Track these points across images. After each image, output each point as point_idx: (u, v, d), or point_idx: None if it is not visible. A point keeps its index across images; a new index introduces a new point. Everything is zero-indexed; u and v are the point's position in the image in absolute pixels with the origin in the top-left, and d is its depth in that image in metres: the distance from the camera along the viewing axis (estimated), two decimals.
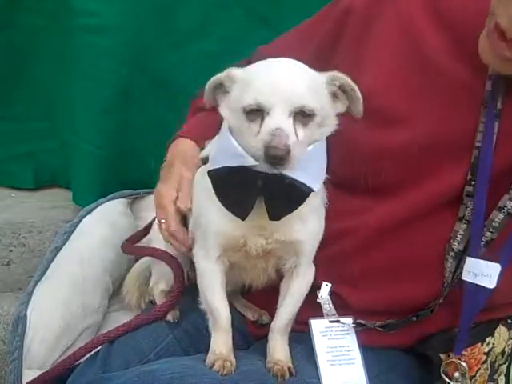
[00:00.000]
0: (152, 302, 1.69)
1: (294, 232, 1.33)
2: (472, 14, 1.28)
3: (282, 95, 1.18)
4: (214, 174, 1.28)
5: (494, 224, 1.35)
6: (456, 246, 1.38)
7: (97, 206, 2.01)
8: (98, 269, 1.83)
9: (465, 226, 1.37)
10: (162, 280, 1.62)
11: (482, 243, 1.36)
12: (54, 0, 2.19)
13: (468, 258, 1.36)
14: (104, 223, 1.94)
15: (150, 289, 1.68)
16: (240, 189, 1.26)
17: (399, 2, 1.41)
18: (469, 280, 1.36)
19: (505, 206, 1.34)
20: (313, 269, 1.43)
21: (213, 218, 1.34)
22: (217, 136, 1.41)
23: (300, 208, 1.29)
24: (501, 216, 1.35)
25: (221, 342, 1.38)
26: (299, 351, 1.43)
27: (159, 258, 1.55)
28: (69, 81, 2.24)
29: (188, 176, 1.51)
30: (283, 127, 1.16)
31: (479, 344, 1.46)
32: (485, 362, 1.48)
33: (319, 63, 1.30)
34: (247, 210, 1.26)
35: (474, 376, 1.46)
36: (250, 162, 1.23)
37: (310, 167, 1.25)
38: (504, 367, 1.56)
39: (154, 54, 2.24)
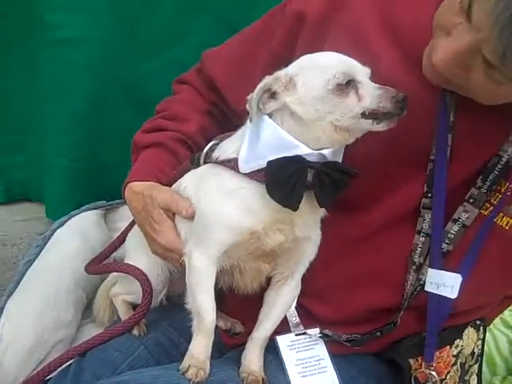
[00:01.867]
0: None
1: (310, 230, 1.34)
2: (422, 26, 1.28)
3: (358, 67, 1.26)
4: (271, 165, 1.26)
5: (449, 236, 1.37)
6: (417, 258, 1.40)
7: (70, 218, 2.01)
8: (70, 281, 1.83)
9: (423, 238, 1.39)
10: (128, 293, 1.61)
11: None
12: (23, 12, 2.17)
13: (430, 269, 1.38)
14: (77, 235, 1.94)
15: (111, 295, 1.68)
16: (292, 179, 1.24)
17: (350, 11, 1.40)
18: (432, 291, 1.38)
19: (459, 218, 1.37)
20: (300, 285, 1.42)
21: (227, 214, 1.30)
22: (231, 138, 1.38)
23: (314, 214, 1.32)
24: (456, 228, 1.37)
25: (201, 346, 1.35)
26: (271, 361, 1.43)
27: (126, 273, 1.55)
28: (40, 94, 2.22)
29: (165, 195, 1.45)
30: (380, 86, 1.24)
31: (448, 347, 1.48)
32: (454, 364, 1.50)
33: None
34: (299, 199, 1.25)
35: (445, 379, 1.48)
36: (304, 150, 1.25)
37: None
38: (475, 367, 1.59)
39: (125, 65, 2.22)
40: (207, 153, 1.41)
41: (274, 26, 1.51)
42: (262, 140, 1.28)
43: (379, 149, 1.35)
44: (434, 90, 1.31)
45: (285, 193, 1.24)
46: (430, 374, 1.42)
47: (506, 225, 1.36)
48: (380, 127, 1.24)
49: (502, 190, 1.35)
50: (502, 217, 1.36)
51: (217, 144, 1.41)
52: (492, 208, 1.36)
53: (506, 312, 2.10)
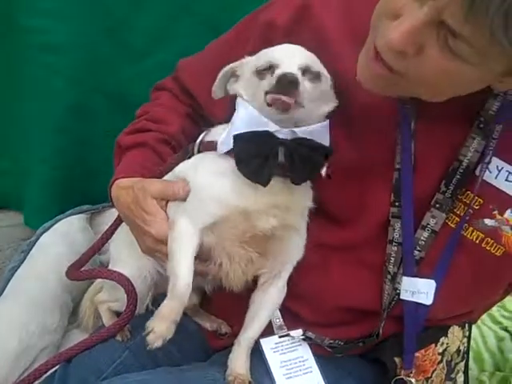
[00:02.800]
0: None
1: (300, 221, 1.35)
2: None
3: (291, 53, 1.28)
4: (236, 140, 1.28)
5: (420, 242, 1.38)
6: (391, 268, 1.40)
7: (55, 223, 2.00)
8: (56, 287, 1.82)
9: (395, 248, 1.39)
10: (114, 300, 1.61)
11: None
12: (2, 18, 2.12)
13: (404, 277, 1.38)
14: (62, 240, 1.93)
15: (97, 302, 1.68)
16: (262, 154, 1.26)
17: (315, 19, 1.40)
18: (407, 299, 1.38)
19: (428, 224, 1.37)
20: (286, 287, 1.42)
21: (219, 190, 1.30)
22: (222, 125, 1.40)
23: (307, 203, 1.34)
24: (426, 234, 1.37)
25: (170, 310, 1.29)
26: (255, 364, 1.42)
27: (110, 279, 1.54)
28: (20, 101, 2.20)
29: (157, 184, 1.43)
30: (293, 72, 1.22)
31: (433, 345, 1.48)
32: (440, 361, 1.50)
33: None
34: (268, 176, 1.25)
35: (430, 377, 1.48)
36: (271, 127, 1.26)
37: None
38: (462, 365, 1.59)
39: (108, 70, 2.20)
40: (201, 141, 1.42)
41: (248, 35, 1.51)
42: (237, 119, 1.31)
43: (346, 159, 1.36)
44: (392, 99, 1.31)
45: (253, 167, 1.26)
46: (410, 381, 1.43)
47: (476, 239, 1.36)
48: (274, 113, 1.25)
49: (468, 201, 1.35)
50: (472, 231, 1.36)
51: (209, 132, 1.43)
52: (458, 220, 1.36)
53: (494, 308, 2.11)
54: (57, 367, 1.51)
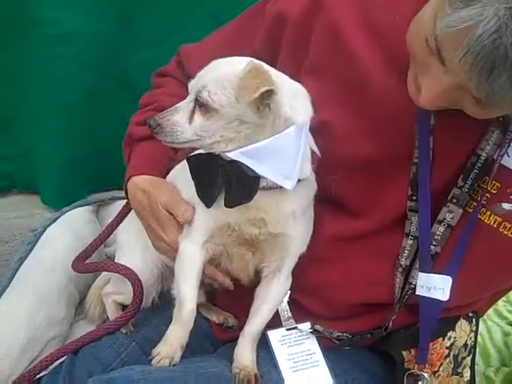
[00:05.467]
0: None
1: (287, 227, 1.34)
2: (401, 30, 1.25)
3: (193, 82, 1.29)
4: (189, 162, 1.33)
5: (436, 237, 1.37)
6: (403, 261, 1.40)
7: (61, 215, 2.01)
8: (63, 278, 1.83)
9: (411, 241, 1.39)
10: (120, 292, 1.62)
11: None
12: (14, 9, 2.17)
13: (420, 273, 1.38)
14: (68, 232, 1.94)
15: (103, 294, 1.68)
16: (207, 176, 1.29)
17: (331, 13, 1.38)
18: (423, 294, 1.38)
19: (444, 219, 1.37)
20: (290, 280, 1.43)
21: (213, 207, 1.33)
22: None
23: (293, 207, 1.33)
24: (442, 229, 1.37)
25: (176, 334, 1.38)
26: (262, 356, 1.43)
27: (117, 272, 1.54)
28: (34, 89, 2.24)
29: (166, 196, 1.45)
30: (179, 106, 1.27)
31: (440, 339, 1.48)
32: (447, 356, 1.50)
33: None
34: (212, 197, 1.29)
35: (437, 371, 1.48)
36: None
37: (268, 161, 1.25)
38: (468, 359, 1.59)
39: (118, 57, 2.25)
40: None
41: (255, 27, 1.50)
42: None
43: (365, 152, 1.36)
44: None
45: (202, 189, 1.32)
46: (422, 375, 1.43)
47: (494, 223, 1.36)
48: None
49: (488, 188, 1.34)
50: (490, 215, 1.36)
51: None
52: (476, 204, 1.35)
53: (500, 303, 2.11)
54: (64, 358, 1.52)
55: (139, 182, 1.52)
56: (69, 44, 2.16)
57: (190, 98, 1.27)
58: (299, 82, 1.32)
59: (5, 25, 2.18)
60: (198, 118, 1.25)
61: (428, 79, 1.16)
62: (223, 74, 1.23)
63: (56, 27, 2.14)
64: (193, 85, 1.28)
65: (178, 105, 1.28)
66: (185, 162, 1.38)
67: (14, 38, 2.20)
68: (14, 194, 2.46)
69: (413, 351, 1.45)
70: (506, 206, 1.35)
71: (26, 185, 2.44)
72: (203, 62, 1.31)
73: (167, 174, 1.56)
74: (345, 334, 1.45)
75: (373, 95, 1.34)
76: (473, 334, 1.57)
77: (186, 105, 1.27)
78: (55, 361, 1.50)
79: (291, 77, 1.31)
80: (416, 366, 1.43)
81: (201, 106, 1.24)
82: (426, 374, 1.43)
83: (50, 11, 2.13)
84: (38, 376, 1.49)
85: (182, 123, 1.26)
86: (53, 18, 2.14)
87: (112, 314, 1.64)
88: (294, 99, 1.27)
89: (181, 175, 1.45)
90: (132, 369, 1.37)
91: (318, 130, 1.33)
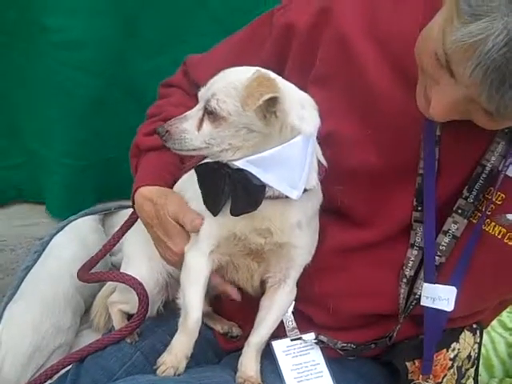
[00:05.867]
0: None
1: (293, 237, 1.35)
2: (408, 39, 1.26)
3: (203, 91, 1.30)
4: (197, 171, 1.35)
5: (441, 248, 1.38)
6: (408, 271, 1.40)
7: (68, 223, 2.02)
8: (69, 287, 1.84)
9: (416, 251, 1.40)
10: (125, 302, 1.62)
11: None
12: (22, 16, 2.18)
13: (425, 284, 1.39)
14: (75, 241, 1.95)
15: (108, 303, 1.69)
16: (214, 184, 1.30)
17: (338, 23, 1.39)
18: (428, 305, 1.39)
19: (449, 229, 1.37)
20: (295, 290, 1.44)
21: (220, 215, 1.34)
22: None
23: (298, 217, 1.33)
24: (447, 239, 1.37)
25: (181, 344, 1.38)
26: (267, 366, 1.43)
27: (122, 282, 1.55)
28: (40, 96, 2.25)
29: (174, 207, 1.46)
30: (188, 114, 1.29)
31: (444, 350, 1.48)
32: (451, 367, 1.50)
33: None
34: (218, 205, 1.30)
35: (441, 382, 1.49)
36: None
37: (275, 170, 1.27)
38: (472, 371, 1.59)
39: (125, 65, 2.27)
40: None
41: (262, 37, 1.52)
42: None
43: (370, 162, 1.36)
44: None
45: (209, 198, 1.32)
46: None
47: (499, 234, 1.36)
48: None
49: (493, 199, 1.35)
50: (495, 226, 1.36)
51: None
52: (480, 215, 1.36)
53: (504, 314, 2.11)
54: (69, 367, 1.53)
55: (146, 193, 1.52)
56: (75, 51, 2.18)
57: (200, 106, 1.28)
58: (306, 92, 1.33)
59: (11, 32, 2.20)
60: (206, 125, 1.26)
61: (438, 92, 1.17)
62: (231, 83, 1.25)
63: (62, 34, 2.16)
64: (202, 93, 1.29)
65: (187, 113, 1.29)
66: (192, 172, 1.39)
67: (21, 45, 2.21)
68: (20, 202, 2.47)
69: (417, 362, 1.45)
70: (510, 217, 1.35)
71: (33, 194, 2.44)
72: (210, 71, 1.32)
73: (174, 184, 1.56)
74: (349, 345, 1.45)
75: (379, 105, 1.35)
76: (476, 346, 1.57)
77: (195, 113, 1.28)
78: (61, 369, 1.51)
79: (298, 87, 1.32)
80: (420, 376, 1.43)
81: (210, 114, 1.26)
82: None
83: (56, 18, 2.14)
84: (46, 383, 1.50)
85: (190, 131, 1.27)
86: (59, 25, 2.15)
87: (117, 323, 1.65)
88: (302, 109, 1.28)
89: (189, 185, 1.46)
90: (136, 379, 1.37)
91: (323, 139, 1.34)
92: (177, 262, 1.45)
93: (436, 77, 1.16)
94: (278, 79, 1.28)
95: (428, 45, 1.16)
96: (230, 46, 1.64)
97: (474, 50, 1.03)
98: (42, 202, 2.42)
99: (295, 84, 1.32)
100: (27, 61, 2.24)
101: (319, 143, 1.34)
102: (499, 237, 1.36)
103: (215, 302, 1.63)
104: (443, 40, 1.08)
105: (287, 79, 1.32)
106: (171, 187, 1.55)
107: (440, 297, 1.37)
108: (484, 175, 1.33)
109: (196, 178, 1.36)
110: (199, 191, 1.36)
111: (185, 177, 1.54)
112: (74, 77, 2.20)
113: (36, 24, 2.16)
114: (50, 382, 1.51)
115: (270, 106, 1.22)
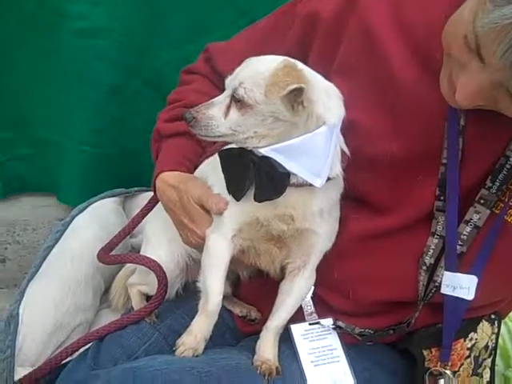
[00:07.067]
0: None
1: (314, 224, 1.36)
2: (433, 29, 1.26)
3: (229, 77, 1.30)
4: (221, 155, 1.36)
5: (462, 237, 1.38)
6: (428, 259, 1.41)
7: (88, 205, 2.03)
8: (89, 267, 1.86)
9: (436, 240, 1.40)
10: (145, 283, 1.64)
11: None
12: (43, 4, 2.19)
13: (445, 272, 1.39)
14: (95, 222, 1.97)
15: (128, 284, 1.71)
16: (238, 170, 1.31)
17: (363, 13, 1.39)
18: (448, 293, 1.39)
19: (471, 219, 1.37)
20: (314, 276, 1.45)
21: (244, 201, 1.35)
22: None
23: (320, 205, 1.34)
24: (468, 229, 1.37)
25: (200, 326, 1.40)
26: (284, 350, 1.45)
27: (142, 265, 1.57)
28: (60, 84, 2.26)
29: (198, 191, 1.47)
30: (215, 100, 1.29)
31: (462, 340, 1.48)
32: (468, 356, 1.50)
33: None
34: (242, 190, 1.31)
35: (458, 371, 1.49)
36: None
37: (299, 158, 1.27)
38: (489, 361, 1.58)
39: (146, 55, 2.26)
40: None
41: (286, 26, 1.52)
42: None
43: (393, 151, 1.36)
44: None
45: (232, 183, 1.33)
46: (444, 372, 1.44)
47: None
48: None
49: None
50: None
51: None
52: (503, 206, 1.35)
53: None
54: (89, 345, 1.55)
55: (168, 179, 1.53)
56: (96, 39, 2.18)
57: (227, 93, 1.29)
58: (330, 81, 1.33)
59: (33, 19, 2.21)
60: (233, 113, 1.27)
61: (464, 77, 1.16)
62: (259, 72, 1.25)
63: (84, 22, 2.16)
64: (230, 81, 1.29)
65: (214, 99, 1.30)
66: (215, 157, 1.40)
67: (42, 32, 2.21)
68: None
69: (433, 350, 1.46)
70: None
71: (42, 186, 2.45)
72: (234, 59, 1.32)
73: (195, 169, 1.57)
74: (367, 330, 1.46)
75: (403, 95, 1.35)
76: (494, 336, 1.57)
77: (223, 99, 1.29)
78: (81, 347, 1.53)
79: (321, 76, 1.32)
80: (439, 363, 1.44)
81: (237, 101, 1.26)
82: (448, 372, 1.43)
83: (78, 5, 2.15)
84: (64, 361, 1.52)
85: (217, 117, 1.28)
86: (81, 12, 2.15)
87: (136, 304, 1.67)
88: (328, 98, 1.28)
89: (211, 171, 1.47)
90: (155, 358, 1.40)
91: (346, 128, 1.34)
92: (200, 244, 1.46)
93: (463, 61, 1.16)
94: (306, 69, 1.28)
95: (458, 29, 1.15)
96: (253, 34, 1.64)
97: (506, 32, 1.03)
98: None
99: (318, 72, 1.31)
100: (48, 47, 2.24)
101: (342, 132, 1.34)
102: None
103: (235, 285, 1.64)
104: (474, 23, 1.08)
105: (311, 68, 1.32)
106: (192, 173, 1.56)
107: (461, 285, 1.37)
108: (508, 166, 1.33)
109: (219, 164, 1.36)
110: (222, 177, 1.37)
111: (206, 162, 1.55)
112: (94, 64, 2.20)
113: (57, 11, 2.17)
114: (70, 358, 1.53)
115: (297, 96, 1.23)
